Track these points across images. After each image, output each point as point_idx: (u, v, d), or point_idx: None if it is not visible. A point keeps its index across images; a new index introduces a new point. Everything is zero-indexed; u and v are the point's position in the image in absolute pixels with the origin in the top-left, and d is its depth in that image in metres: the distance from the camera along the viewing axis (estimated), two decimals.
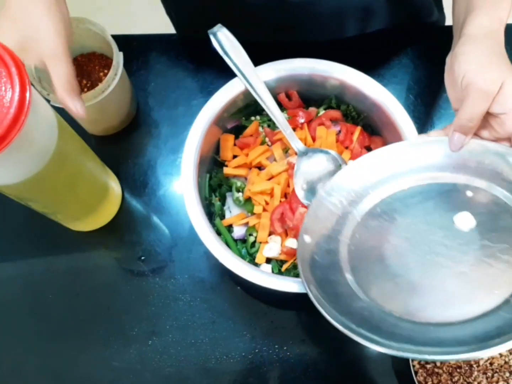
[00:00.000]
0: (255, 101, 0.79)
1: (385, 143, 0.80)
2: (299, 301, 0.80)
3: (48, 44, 0.63)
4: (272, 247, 0.75)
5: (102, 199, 0.80)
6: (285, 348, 0.80)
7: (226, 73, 0.76)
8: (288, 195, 0.76)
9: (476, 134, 0.66)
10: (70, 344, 0.81)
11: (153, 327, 0.81)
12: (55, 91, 0.64)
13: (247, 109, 0.80)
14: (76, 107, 0.65)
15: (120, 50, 0.77)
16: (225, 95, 0.75)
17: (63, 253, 0.84)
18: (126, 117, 0.86)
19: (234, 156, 0.81)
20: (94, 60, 0.83)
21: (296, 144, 0.76)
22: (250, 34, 0.88)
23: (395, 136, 0.75)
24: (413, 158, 0.69)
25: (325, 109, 0.82)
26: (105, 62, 0.82)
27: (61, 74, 0.64)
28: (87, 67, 0.83)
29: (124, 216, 0.85)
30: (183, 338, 0.80)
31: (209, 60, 0.92)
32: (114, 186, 0.84)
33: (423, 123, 0.89)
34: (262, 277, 0.69)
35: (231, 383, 0.79)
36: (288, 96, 0.81)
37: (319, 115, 0.81)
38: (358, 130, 0.79)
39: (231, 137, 0.80)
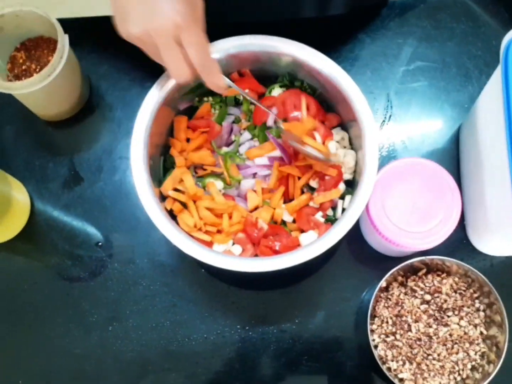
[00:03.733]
0: None
1: (339, 120, 0.79)
2: (259, 280, 0.81)
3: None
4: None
5: (3, 213, 0.77)
6: (247, 328, 0.80)
7: None
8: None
9: None
10: (30, 333, 0.80)
11: (113, 312, 0.80)
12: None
13: (200, 89, 0.79)
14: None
15: (69, 33, 0.76)
16: None
17: (17, 241, 0.83)
18: (78, 101, 0.85)
19: (188, 139, 0.80)
20: (42, 44, 0.81)
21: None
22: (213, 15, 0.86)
23: (349, 113, 0.75)
24: None
25: (280, 86, 0.81)
26: (54, 46, 0.80)
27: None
28: (36, 52, 0.81)
29: (81, 202, 0.84)
30: (143, 322, 0.80)
31: None
32: (20, 197, 0.81)
33: (380, 97, 0.89)
34: (219, 258, 0.69)
35: (193, 365, 0.79)
36: (241, 75, 0.80)
37: (272, 92, 0.80)
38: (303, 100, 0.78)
39: (184, 119, 0.79)
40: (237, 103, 0.82)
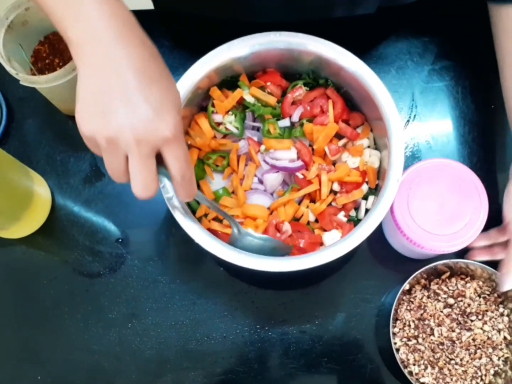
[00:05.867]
0: (231, 77, 0.77)
1: (363, 119, 0.78)
2: (279, 280, 0.80)
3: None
4: None
5: (26, 207, 0.77)
6: (266, 328, 0.79)
7: (203, 50, 0.74)
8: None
9: None
10: (49, 328, 0.80)
11: (133, 309, 0.80)
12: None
13: (224, 85, 0.78)
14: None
15: None
16: (199, 70, 0.73)
17: (38, 235, 0.82)
18: None
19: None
20: None
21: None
22: (244, 14, 0.84)
23: (374, 112, 0.73)
24: None
25: (304, 84, 0.80)
26: None
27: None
28: (59, 46, 0.80)
29: (102, 198, 0.84)
30: (163, 320, 0.80)
31: (185, 36, 0.90)
32: (41, 191, 0.81)
33: (404, 96, 0.87)
34: (240, 257, 0.68)
35: (212, 364, 0.78)
36: (264, 72, 0.79)
37: (297, 86, 0.79)
38: (330, 104, 0.77)
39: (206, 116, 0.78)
40: None
